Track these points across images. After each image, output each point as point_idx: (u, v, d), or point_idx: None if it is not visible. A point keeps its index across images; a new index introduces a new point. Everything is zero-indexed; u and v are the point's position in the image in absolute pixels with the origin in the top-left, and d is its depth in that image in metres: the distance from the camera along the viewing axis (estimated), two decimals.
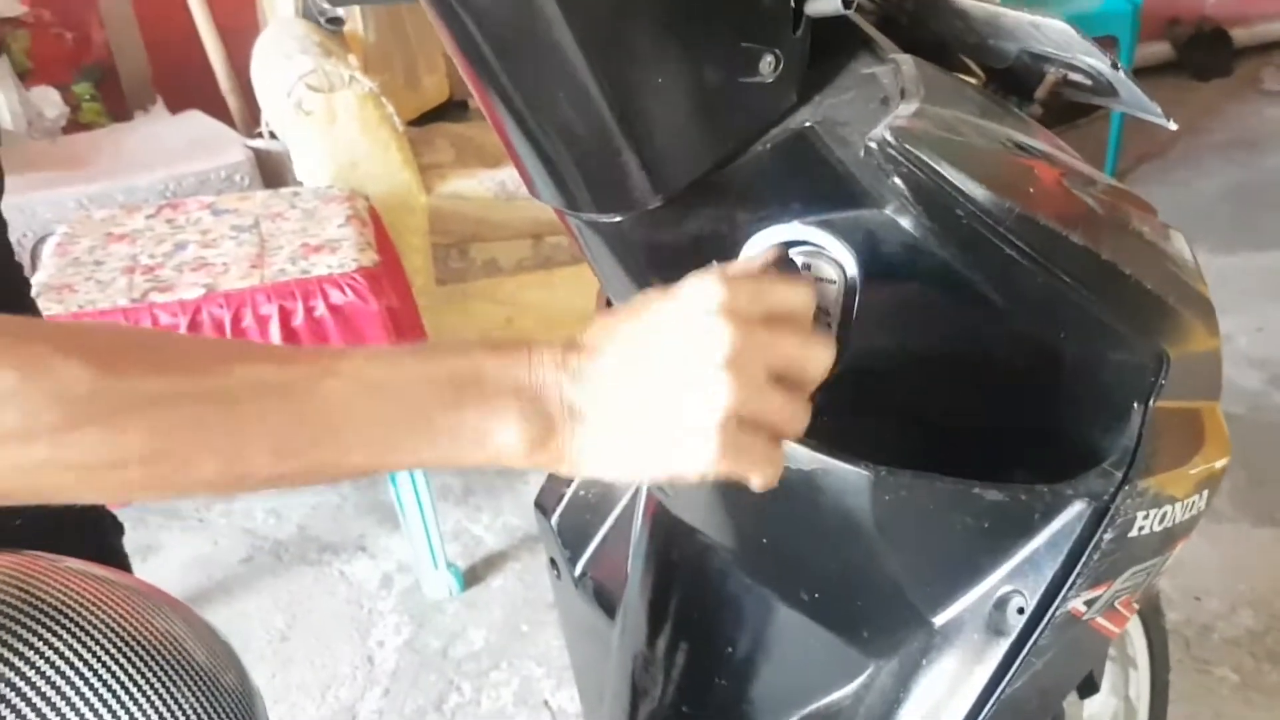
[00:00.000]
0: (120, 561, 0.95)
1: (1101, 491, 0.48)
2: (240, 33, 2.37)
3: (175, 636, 0.54)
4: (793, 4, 0.45)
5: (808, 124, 0.46)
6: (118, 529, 0.96)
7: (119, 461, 0.40)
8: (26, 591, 0.51)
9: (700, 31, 0.43)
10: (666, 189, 0.47)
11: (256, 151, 1.98)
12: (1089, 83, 0.52)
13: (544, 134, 0.46)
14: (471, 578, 1.73)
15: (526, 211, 2.23)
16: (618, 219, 0.49)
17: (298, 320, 1.49)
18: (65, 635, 0.50)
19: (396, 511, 1.81)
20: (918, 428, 0.51)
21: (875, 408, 0.50)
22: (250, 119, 2.27)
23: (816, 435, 0.50)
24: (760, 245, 0.49)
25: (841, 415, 0.50)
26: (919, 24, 0.56)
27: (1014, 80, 0.55)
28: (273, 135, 2.03)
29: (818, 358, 0.44)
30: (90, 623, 0.51)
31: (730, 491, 0.58)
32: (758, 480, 0.45)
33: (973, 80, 0.56)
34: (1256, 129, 3.22)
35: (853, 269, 0.47)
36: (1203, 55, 3.65)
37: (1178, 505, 0.54)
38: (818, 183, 0.47)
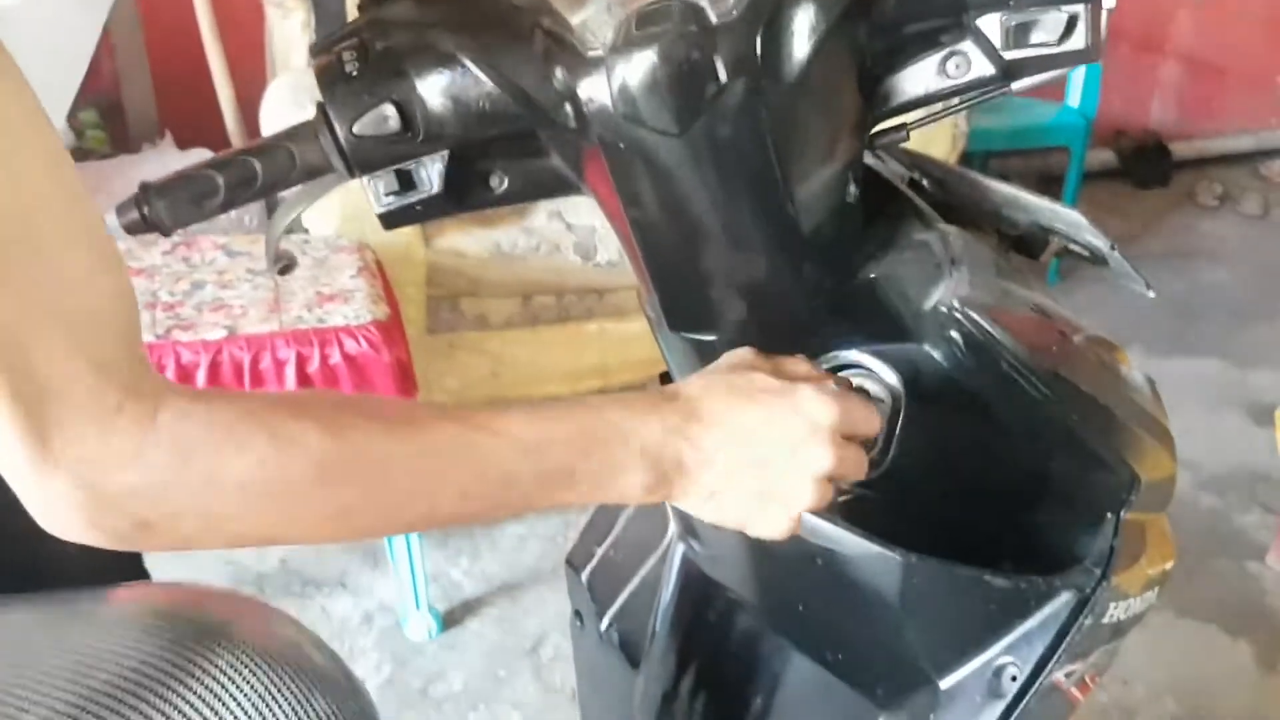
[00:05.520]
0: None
1: (1084, 585, 0.60)
2: (248, 74, 2.46)
3: (298, 643, 0.64)
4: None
5: (873, 276, 0.59)
6: None
7: (346, 510, 0.50)
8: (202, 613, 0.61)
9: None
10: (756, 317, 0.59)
11: None
12: (1086, 254, 0.65)
13: (684, 273, 0.58)
14: (450, 621, 1.81)
15: (519, 271, 2.33)
16: (712, 338, 0.61)
17: (313, 367, 1.57)
18: (226, 653, 0.59)
19: (377, 550, 1.88)
20: (941, 520, 0.63)
21: (909, 502, 0.62)
22: None
23: (860, 523, 0.62)
24: (827, 364, 0.61)
25: (882, 507, 0.62)
26: (943, 189, 0.70)
27: (1021, 243, 0.68)
28: None
29: (862, 468, 0.58)
30: (242, 639, 0.60)
31: (772, 559, 0.69)
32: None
33: (990, 241, 0.69)
34: (1192, 242, 3.45)
35: (900, 391, 0.60)
36: (1144, 166, 3.88)
37: (1136, 599, 0.67)
38: (879, 323, 0.59)
